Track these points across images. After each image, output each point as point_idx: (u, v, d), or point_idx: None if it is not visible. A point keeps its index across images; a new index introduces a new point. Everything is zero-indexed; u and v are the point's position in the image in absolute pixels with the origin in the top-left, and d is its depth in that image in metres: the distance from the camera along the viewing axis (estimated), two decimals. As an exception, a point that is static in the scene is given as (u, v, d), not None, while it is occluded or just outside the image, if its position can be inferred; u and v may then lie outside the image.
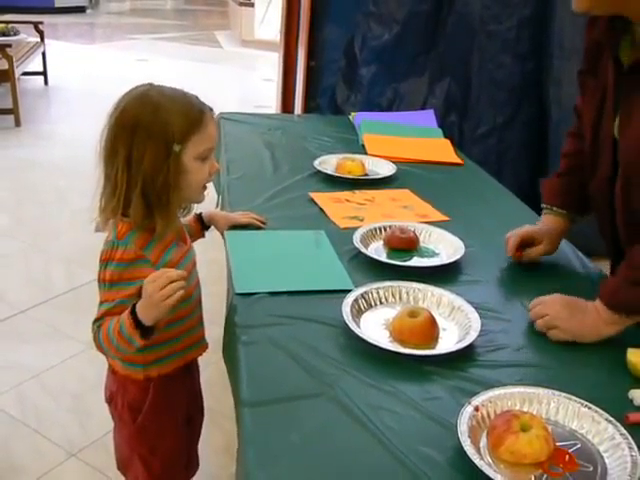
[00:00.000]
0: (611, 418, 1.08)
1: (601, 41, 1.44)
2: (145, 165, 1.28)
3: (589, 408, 1.10)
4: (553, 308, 1.37)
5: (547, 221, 1.69)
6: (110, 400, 1.53)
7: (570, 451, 1.04)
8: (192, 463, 1.66)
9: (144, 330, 1.26)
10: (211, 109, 1.38)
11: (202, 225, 1.67)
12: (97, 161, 1.34)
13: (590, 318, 1.35)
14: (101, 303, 1.32)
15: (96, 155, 1.34)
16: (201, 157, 1.35)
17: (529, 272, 1.61)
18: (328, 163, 2.24)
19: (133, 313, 1.25)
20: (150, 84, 1.35)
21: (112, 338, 1.28)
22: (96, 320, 1.32)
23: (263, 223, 1.78)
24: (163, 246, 1.36)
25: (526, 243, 1.65)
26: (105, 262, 1.31)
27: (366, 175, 2.18)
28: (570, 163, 1.69)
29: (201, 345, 1.55)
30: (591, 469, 1.02)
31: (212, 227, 1.70)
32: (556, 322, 1.35)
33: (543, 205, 1.72)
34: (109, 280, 1.30)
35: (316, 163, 2.20)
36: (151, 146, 1.28)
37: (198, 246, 1.53)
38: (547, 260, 1.66)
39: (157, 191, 1.30)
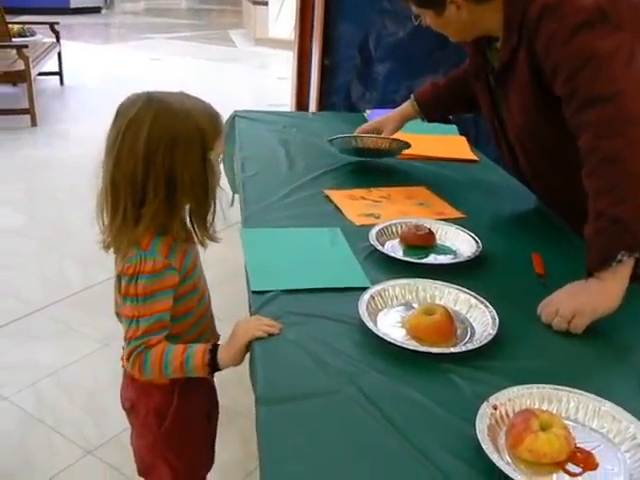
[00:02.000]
0: (632, 417, 1.06)
1: (475, 56, 1.84)
2: (188, 176, 1.27)
3: (610, 407, 1.09)
4: (560, 301, 1.37)
5: (401, 109, 2.24)
6: (131, 409, 1.52)
7: (590, 450, 1.03)
8: (211, 459, 1.66)
9: (212, 370, 1.31)
10: None
11: None
12: (105, 182, 1.30)
13: (596, 287, 1.35)
14: (137, 319, 1.29)
15: (103, 176, 1.31)
16: (219, 156, 1.36)
17: (547, 270, 1.59)
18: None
19: (212, 352, 1.30)
20: (154, 93, 1.30)
21: (167, 365, 1.30)
22: (137, 338, 1.30)
23: None
24: (183, 250, 1.36)
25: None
26: (134, 276, 1.28)
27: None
28: (452, 82, 2.15)
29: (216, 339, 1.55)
30: (612, 469, 1.00)
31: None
32: (570, 310, 1.34)
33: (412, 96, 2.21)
34: (142, 294, 1.28)
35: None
36: (192, 157, 1.27)
37: (210, 245, 1.52)
38: (565, 253, 1.65)
39: (205, 198, 1.32)
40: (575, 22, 1.46)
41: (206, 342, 1.45)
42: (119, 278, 1.34)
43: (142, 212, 1.28)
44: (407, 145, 2.20)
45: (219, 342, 1.36)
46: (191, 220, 1.34)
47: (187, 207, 1.34)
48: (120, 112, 1.28)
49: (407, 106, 2.22)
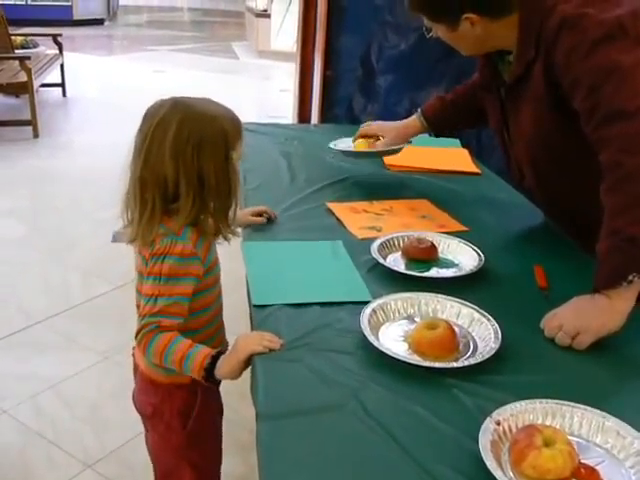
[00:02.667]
0: (637, 433, 1.05)
1: (486, 69, 1.83)
2: (214, 175, 1.34)
3: (614, 422, 1.08)
4: (565, 316, 1.36)
5: (407, 122, 2.18)
6: (153, 413, 1.52)
7: (595, 466, 1.02)
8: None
9: (208, 376, 1.30)
10: None
11: None
12: (134, 180, 1.35)
13: (602, 305, 1.34)
14: (155, 297, 1.32)
15: (132, 174, 1.36)
16: (239, 158, 1.43)
17: (550, 282, 1.58)
18: (345, 143, 2.27)
19: (214, 358, 1.29)
20: (181, 97, 1.38)
21: (168, 354, 1.30)
22: (152, 314, 1.31)
23: (270, 218, 1.85)
24: (207, 245, 1.42)
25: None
26: (162, 255, 1.32)
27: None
28: (459, 95, 2.11)
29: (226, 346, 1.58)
30: (617, 485, 0.99)
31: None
32: (575, 327, 1.33)
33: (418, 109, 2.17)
34: (166, 274, 1.32)
35: (331, 144, 2.26)
36: (216, 156, 1.34)
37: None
38: (568, 265, 1.64)
39: (227, 197, 1.38)
40: (595, 36, 1.44)
41: (219, 342, 1.47)
42: (146, 264, 1.36)
43: (175, 207, 1.34)
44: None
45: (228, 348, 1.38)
46: (215, 216, 1.39)
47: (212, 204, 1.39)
48: (147, 116, 1.36)
49: (413, 120, 2.18)
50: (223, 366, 1.29)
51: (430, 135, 2.22)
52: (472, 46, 1.73)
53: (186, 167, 1.32)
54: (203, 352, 1.30)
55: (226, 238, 1.45)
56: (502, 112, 1.82)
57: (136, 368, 1.57)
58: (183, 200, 1.33)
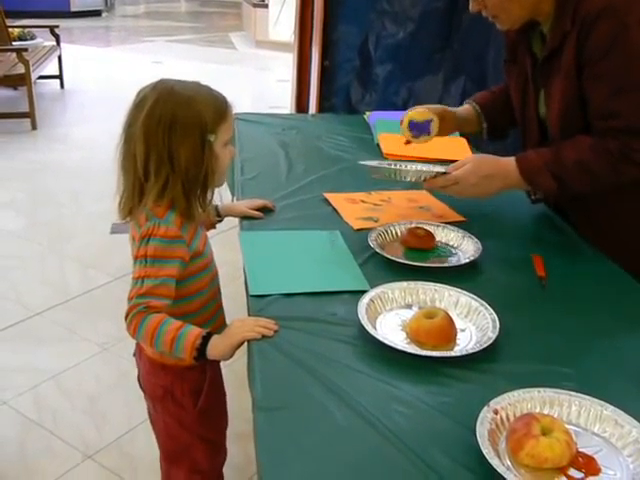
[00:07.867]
0: (635, 421, 1.05)
1: (517, 39, 1.81)
2: (184, 157, 1.34)
3: (612, 411, 1.07)
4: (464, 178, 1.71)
5: (460, 109, 2.07)
6: (164, 395, 1.54)
7: (593, 455, 1.02)
8: None
9: (199, 356, 1.30)
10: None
11: (217, 216, 1.75)
12: (118, 157, 1.38)
13: (495, 186, 1.74)
14: (142, 279, 1.33)
15: (118, 150, 1.38)
16: (226, 143, 1.42)
17: (548, 272, 1.58)
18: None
19: (205, 339, 1.29)
20: (167, 79, 1.40)
21: (159, 336, 1.31)
22: (139, 296, 1.32)
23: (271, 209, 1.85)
24: (194, 229, 1.43)
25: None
26: (147, 238, 1.34)
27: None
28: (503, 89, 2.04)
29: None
30: (614, 474, 0.99)
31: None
32: (461, 192, 1.74)
33: (467, 100, 2.11)
34: (151, 255, 1.34)
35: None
36: (189, 139, 1.34)
37: (212, 247, 1.52)
38: (565, 254, 1.65)
39: (196, 180, 1.37)
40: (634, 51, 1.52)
41: (219, 325, 1.48)
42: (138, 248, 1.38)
43: (147, 187, 1.36)
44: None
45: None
46: (187, 199, 1.38)
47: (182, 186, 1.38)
48: (135, 95, 1.38)
49: (464, 106, 2.09)
50: (214, 347, 1.30)
51: (481, 131, 2.09)
52: (524, 10, 1.65)
53: (157, 148, 1.33)
54: (194, 332, 1.31)
55: (195, 221, 1.43)
56: (524, 88, 1.81)
57: (140, 352, 1.58)
58: (152, 180, 1.35)
